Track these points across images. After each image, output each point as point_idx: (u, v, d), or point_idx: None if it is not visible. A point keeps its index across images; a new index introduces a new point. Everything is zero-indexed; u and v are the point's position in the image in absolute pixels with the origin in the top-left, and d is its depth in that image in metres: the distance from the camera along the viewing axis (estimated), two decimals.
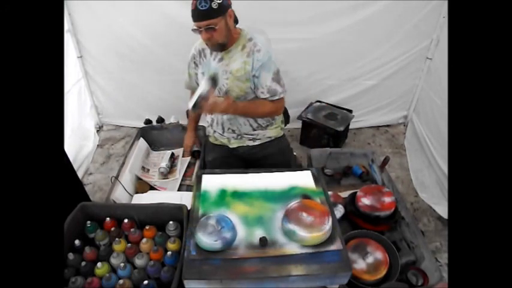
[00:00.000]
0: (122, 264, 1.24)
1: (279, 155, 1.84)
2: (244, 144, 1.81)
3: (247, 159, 1.87)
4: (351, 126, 2.85)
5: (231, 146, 1.83)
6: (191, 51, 1.73)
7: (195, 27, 1.47)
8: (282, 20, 2.38)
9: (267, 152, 1.82)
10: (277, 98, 1.62)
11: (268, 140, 1.82)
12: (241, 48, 1.58)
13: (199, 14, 1.41)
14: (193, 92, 1.73)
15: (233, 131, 1.78)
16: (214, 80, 1.45)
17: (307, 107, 2.84)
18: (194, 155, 2.13)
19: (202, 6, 1.38)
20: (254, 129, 1.78)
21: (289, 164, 1.92)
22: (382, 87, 2.86)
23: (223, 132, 1.81)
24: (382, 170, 2.05)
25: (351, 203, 1.73)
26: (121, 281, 1.19)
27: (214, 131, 1.87)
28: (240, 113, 1.64)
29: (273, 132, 1.83)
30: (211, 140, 1.93)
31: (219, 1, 1.40)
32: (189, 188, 2.11)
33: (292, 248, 1.11)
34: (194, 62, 1.73)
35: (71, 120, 2.56)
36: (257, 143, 1.80)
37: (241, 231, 1.16)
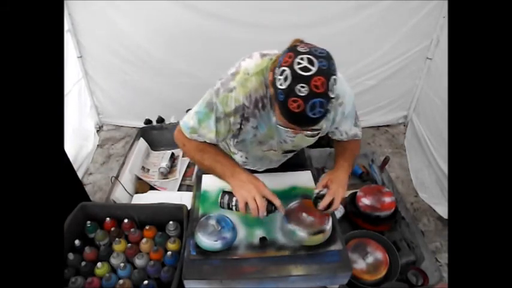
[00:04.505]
0: (122, 264, 1.24)
1: (295, 157, 1.53)
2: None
3: None
4: None
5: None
6: (237, 101, 1.06)
7: (289, 129, 0.98)
8: (283, 22, 2.38)
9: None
10: (358, 138, 1.31)
11: None
12: None
13: (308, 122, 0.92)
14: None
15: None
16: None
17: None
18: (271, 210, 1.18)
19: (314, 114, 0.88)
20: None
21: (305, 165, 1.63)
22: (382, 87, 2.86)
23: (259, 168, 1.45)
24: (382, 170, 2.05)
25: (351, 203, 1.73)
26: (121, 281, 1.19)
27: (246, 164, 1.43)
28: (351, 170, 1.28)
29: None
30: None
31: (333, 96, 0.90)
32: (189, 188, 2.12)
33: (292, 248, 1.11)
34: (242, 115, 1.10)
35: (71, 120, 2.56)
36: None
37: (241, 231, 1.16)
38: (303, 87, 0.85)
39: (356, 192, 1.75)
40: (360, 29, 2.49)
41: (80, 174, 2.52)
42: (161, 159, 2.39)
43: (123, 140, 3.02)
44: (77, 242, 1.33)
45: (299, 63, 0.86)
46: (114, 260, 1.28)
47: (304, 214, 1.16)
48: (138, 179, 2.18)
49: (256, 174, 1.39)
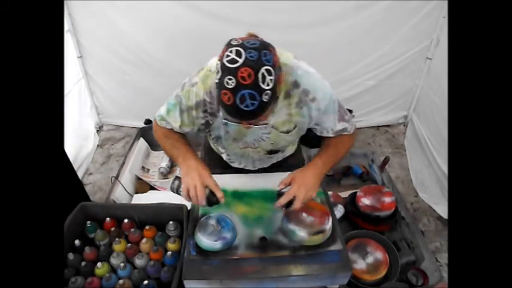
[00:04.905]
0: (122, 264, 1.24)
1: (291, 158, 1.55)
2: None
3: None
4: None
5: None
6: (198, 96, 1.10)
7: (233, 123, 1.01)
8: (283, 22, 2.38)
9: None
10: (347, 133, 1.25)
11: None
12: (284, 96, 1.08)
13: (243, 115, 0.89)
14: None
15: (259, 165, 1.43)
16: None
17: None
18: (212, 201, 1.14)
19: (247, 106, 0.85)
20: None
21: (303, 165, 1.55)
22: (382, 87, 2.86)
23: (250, 167, 1.43)
24: (382, 170, 2.05)
25: (351, 203, 1.73)
26: (121, 281, 1.19)
27: (232, 161, 1.44)
28: (328, 170, 1.23)
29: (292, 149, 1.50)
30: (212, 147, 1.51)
31: (269, 87, 0.85)
32: None
33: (292, 248, 1.11)
34: (205, 111, 1.13)
35: (71, 120, 2.56)
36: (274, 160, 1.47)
37: (241, 231, 1.16)
38: (230, 79, 0.84)
39: (356, 192, 1.75)
40: (360, 29, 2.49)
41: (80, 174, 2.52)
42: (161, 159, 2.39)
43: (123, 140, 3.02)
44: (77, 242, 1.33)
45: (227, 56, 0.86)
46: (114, 260, 1.28)
47: (304, 214, 1.16)
48: (138, 179, 2.18)
49: (256, 174, 1.41)
